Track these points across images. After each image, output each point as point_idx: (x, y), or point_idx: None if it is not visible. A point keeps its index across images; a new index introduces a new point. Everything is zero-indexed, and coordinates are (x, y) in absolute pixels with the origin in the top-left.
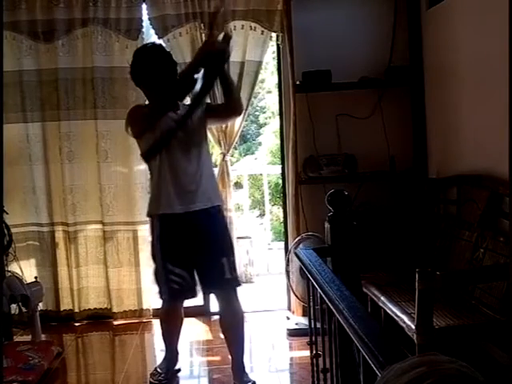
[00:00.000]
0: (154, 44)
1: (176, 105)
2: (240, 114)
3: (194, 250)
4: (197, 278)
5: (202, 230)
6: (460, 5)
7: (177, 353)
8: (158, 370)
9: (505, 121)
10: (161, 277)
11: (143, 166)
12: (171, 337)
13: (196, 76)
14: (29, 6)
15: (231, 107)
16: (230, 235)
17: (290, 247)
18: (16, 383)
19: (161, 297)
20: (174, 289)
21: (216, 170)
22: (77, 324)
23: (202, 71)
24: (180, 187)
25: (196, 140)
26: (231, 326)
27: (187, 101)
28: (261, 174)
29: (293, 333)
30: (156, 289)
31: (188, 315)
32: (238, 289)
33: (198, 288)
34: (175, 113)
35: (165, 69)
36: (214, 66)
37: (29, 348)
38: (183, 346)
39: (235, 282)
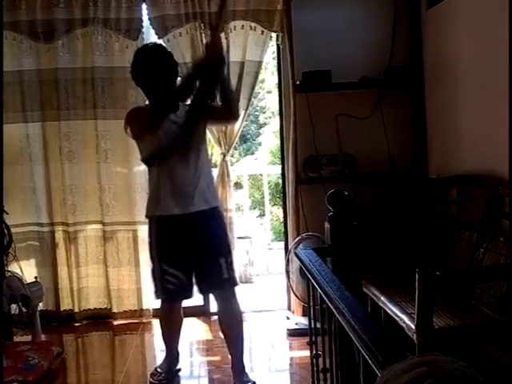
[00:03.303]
0: (155, 44)
1: (176, 106)
2: (236, 120)
3: (192, 251)
4: (194, 278)
5: (199, 232)
6: (460, 5)
7: (177, 353)
8: (158, 369)
9: (505, 121)
10: (157, 277)
11: (143, 167)
12: (171, 337)
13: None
14: (29, 6)
15: (228, 112)
16: (228, 235)
17: (290, 247)
18: (16, 383)
19: (157, 297)
20: (168, 289)
21: (216, 171)
22: (77, 324)
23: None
24: (177, 189)
25: (195, 141)
26: (230, 326)
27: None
28: (261, 174)
29: (293, 333)
30: (153, 288)
31: (188, 315)
32: (236, 289)
33: (195, 289)
34: (175, 114)
35: (166, 69)
36: (215, 69)
37: (29, 348)
38: (183, 345)
39: (233, 281)
